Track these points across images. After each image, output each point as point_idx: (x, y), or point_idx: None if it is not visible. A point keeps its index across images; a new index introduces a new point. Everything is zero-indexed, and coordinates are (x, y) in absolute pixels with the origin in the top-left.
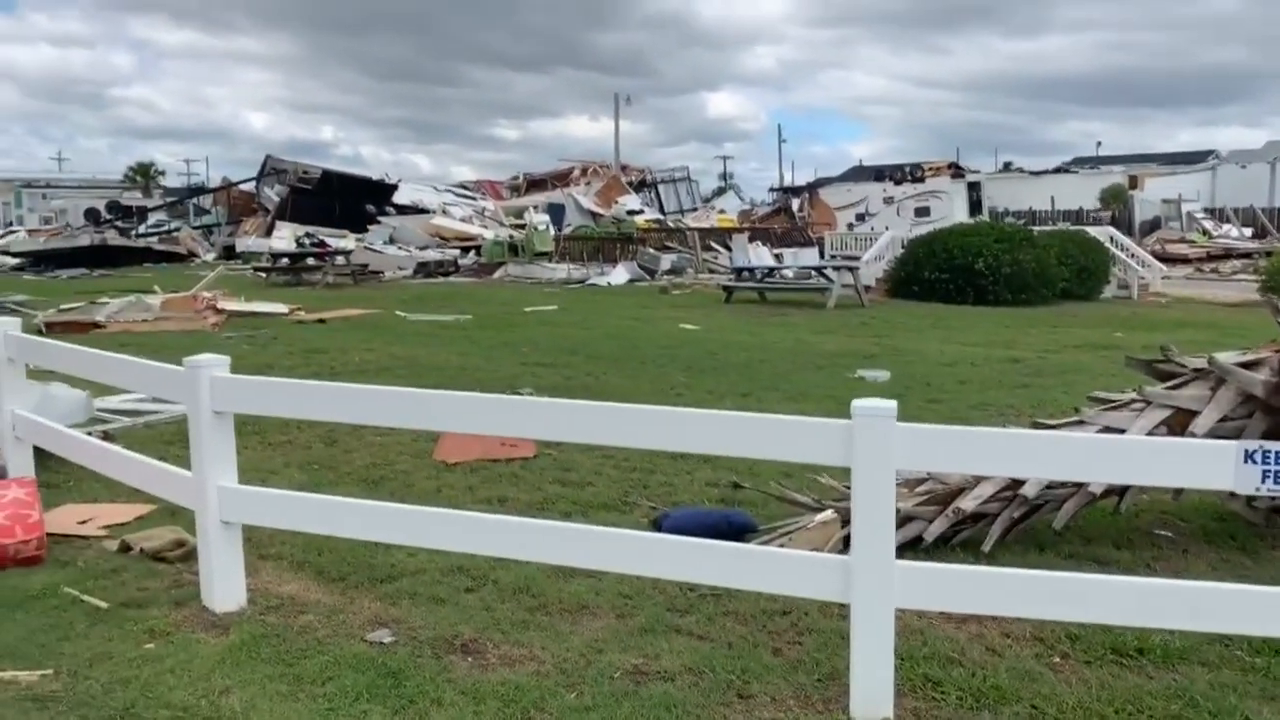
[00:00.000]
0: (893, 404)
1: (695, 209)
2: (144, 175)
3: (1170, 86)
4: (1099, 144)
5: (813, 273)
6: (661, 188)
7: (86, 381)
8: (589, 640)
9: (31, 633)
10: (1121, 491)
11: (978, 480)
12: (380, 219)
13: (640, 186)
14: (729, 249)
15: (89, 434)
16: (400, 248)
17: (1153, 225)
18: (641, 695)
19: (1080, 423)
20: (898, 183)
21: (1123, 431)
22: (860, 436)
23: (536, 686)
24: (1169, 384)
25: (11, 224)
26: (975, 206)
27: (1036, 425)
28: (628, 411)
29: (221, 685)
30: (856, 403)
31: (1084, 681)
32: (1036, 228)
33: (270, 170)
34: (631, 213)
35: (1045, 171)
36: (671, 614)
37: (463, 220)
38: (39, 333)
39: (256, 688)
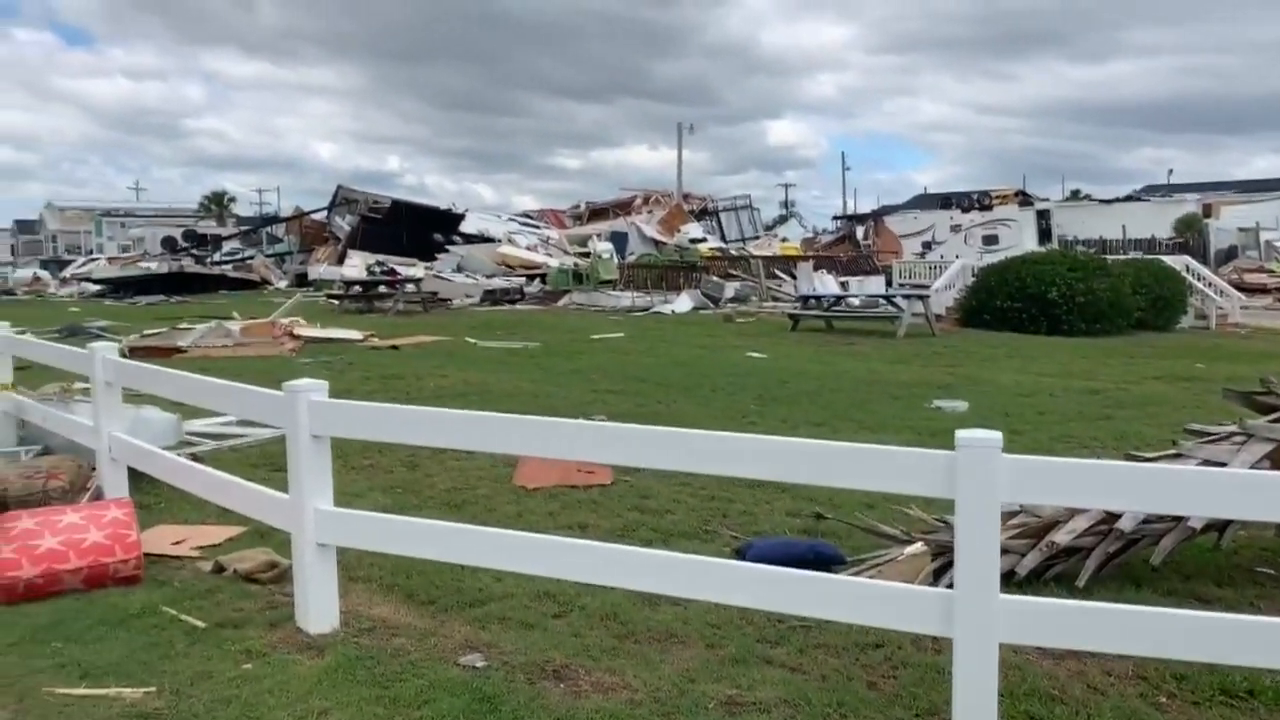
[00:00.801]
0: (998, 435)
1: (757, 237)
2: (218, 204)
3: (1244, 112)
4: (1170, 171)
5: (881, 301)
6: (723, 216)
7: (173, 405)
8: (680, 669)
9: (133, 651)
10: (1222, 527)
11: (1072, 514)
12: (448, 247)
13: (702, 215)
14: (793, 277)
15: (179, 457)
16: (468, 276)
17: (1229, 254)
18: None
19: (1178, 456)
20: (965, 210)
21: (1223, 465)
22: (965, 468)
23: (631, 715)
24: (1271, 417)
25: (92, 252)
26: (1045, 235)
27: (1131, 458)
28: (719, 439)
29: (320, 707)
30: (961, 433)
31: None
32: (1109, 257)
33: (341, 200)
34: (694, 241)
35: (1115, 200)
36: (762, 645)
37: (528, 249)
38: (123, 357)
39: (354, 709)
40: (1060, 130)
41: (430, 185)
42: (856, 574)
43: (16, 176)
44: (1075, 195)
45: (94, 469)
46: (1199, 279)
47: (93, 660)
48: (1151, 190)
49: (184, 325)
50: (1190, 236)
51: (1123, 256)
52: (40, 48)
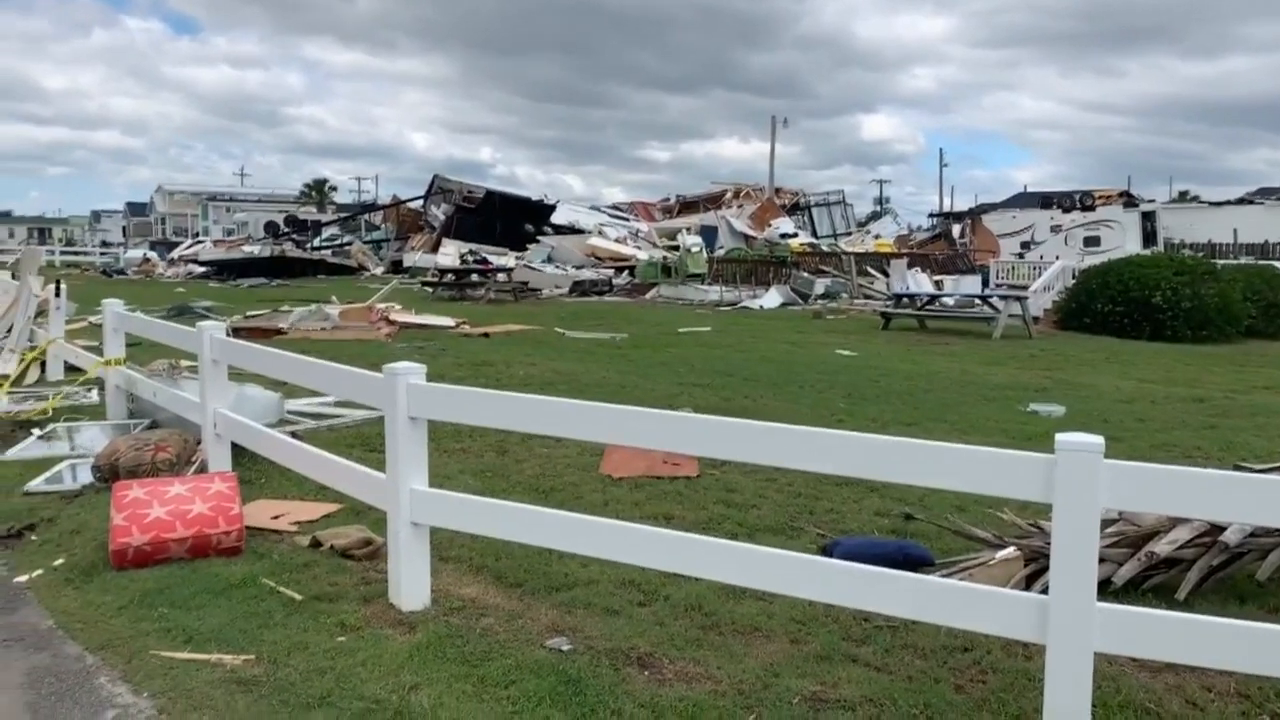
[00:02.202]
0: (1100, 440)
1: (849, 233)
2: (318, 191)
3: None
4: None
5: (977, 301)
6: (815, 211)
7: (275, 384)
8: (764, 663)
9: (234, 619)
10: None
11: (1173, 523)
12: (539, 238)
13: (793, 209)
14: (885, 274)
15: (280, 434)
16: (557, 266)
17: None
18: None
19: None
20: (1066, 210)
21: None
22: (1065, 471)
23: (715, 705)
24: None
25: (198, 235)
26: (1149, 237)
27: (1239, 468)
28: (809, 434)
29: (410, 681)
30: (1061, 436)
31: None
32: (1218, 261)
33: (437, 189)
34: (785, 236)
35: (1226, 202)
36: (847, 643)
37: (617, 241)
38: (229, 337)
39: (443, 686)
40: (1169, 129)
41: (520, 175)
42: (946, 576)
43: (127, 160)
44: (1183, 197)
45: (199, 443)
46: None
47: (196, 626)
48: (1266, 193)
49: (285, 308)
50: None
51: (1233, 261)
52: (148, 35)
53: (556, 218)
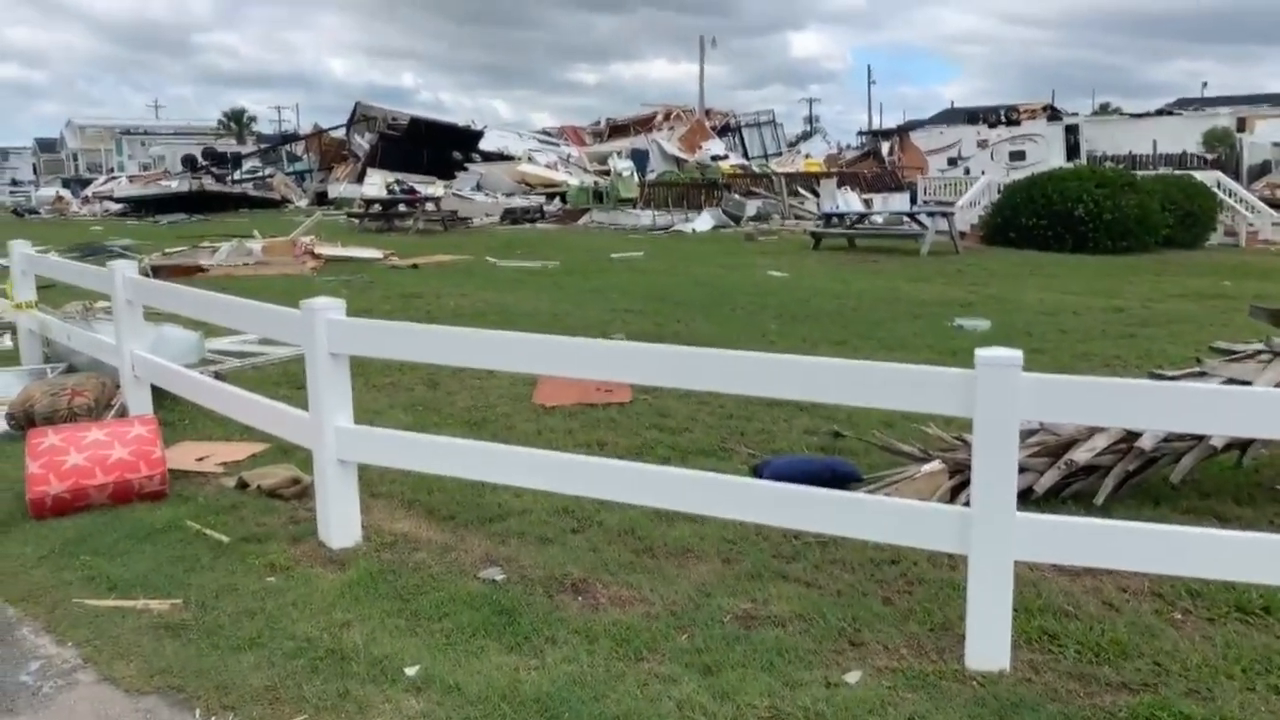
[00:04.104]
0: (1018, 353)
1: (780, 154)
2: (237, 123)
3: None
4: (1205, 84)
5: (905, 219)
6: (746, 132)
7: (195, 324)
8: (696, 584)
9: (159, 564)
10: (1244, 446)
11: (1091, 432)
12: (467, 166)
13: (724, 131)
14: (816, 194)
15: (202, 374)
16: (487, 194)
17: (1262, 169)
18: (753, 640)
19: (1201, 374)
20: (992, 126)
21: (1248, 384)
22: (984, 386)
23: (648, 628)
24: None
25: (113, 170)
26: (1073, 151)
27: (1154, 376)
28: (738, 358)
29: (342, 619)
30: (980, 352)
31: (1208, 639)
32: (1138, 172)
33: (360, 117)
34: (716, 158)
35: (1146, 114)
36: (777, 560)
37: (547, 167)
38: (145, 276)
39: (376, 622)
40: (1091, 41)
41: (446, 101)
42: (873, 491)
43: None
44: (1105, 109)
45: (118, 387)
46: (1230, 195)
47: (120, 573)
48: (1184, 104)
49: (206, 244)
50: (1222, 151)
51: (1152, 172)
52: None
53: (485, 144)
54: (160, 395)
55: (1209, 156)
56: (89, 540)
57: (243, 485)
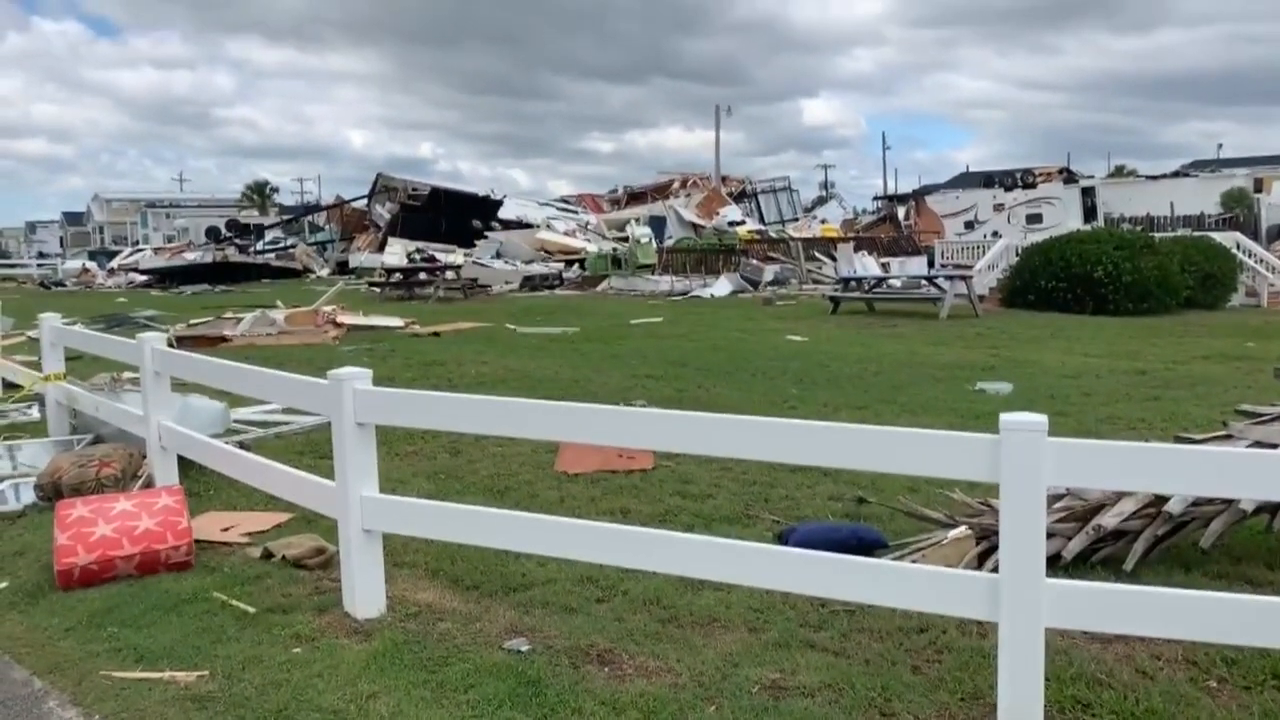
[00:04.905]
0: (1043, 418)
1: (796, 219)
2: (260, 194)
3: None
4: (1220, 146)
5: (923, 282)
6: (762, 198)
7: (220, 394)
8: (723, 654)
9: (186, 635)
10: (1274, 510)
11: (1119, 496)
12: (487, 234)
13: (740, 197)
14: (833, 259)
15: (227, 444)
16: (507, 262)
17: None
18: (781, 710)
19: (1228, 437)
20: (1008, 189)
21: (1275, 446)
22: (1009, 451)
23: (675, 699)
24: None
25: (138, 243)
26: (1090, 213)
27: (1180, 440)
28: (761, 424)
29: (368, 690)
30: (1005, 416)
31: (1245, 707)
32: (1156, 234)
33: (381, 188)
34: (733, 224)
35: (1163, 176)
36: (805, 629)
37: (566, 234)
38: (170, 346)
39: (402, 693)
40: (1105, 105)
41: (465, 171)
42: (899, 558)
43: (57, 169)
44: (1120, 171)
45: (145, 457)
46: (1250, 255)
47: (147, 644)
48: (1200, 165)
49: (229, 314)
50: (1240, 212)
51: (1171, 234)
52: (65, 38)
53: (504, 213)
54: (186, 465)
55: (1226, 216)
56: (116, 611)
57: (268, 555)
